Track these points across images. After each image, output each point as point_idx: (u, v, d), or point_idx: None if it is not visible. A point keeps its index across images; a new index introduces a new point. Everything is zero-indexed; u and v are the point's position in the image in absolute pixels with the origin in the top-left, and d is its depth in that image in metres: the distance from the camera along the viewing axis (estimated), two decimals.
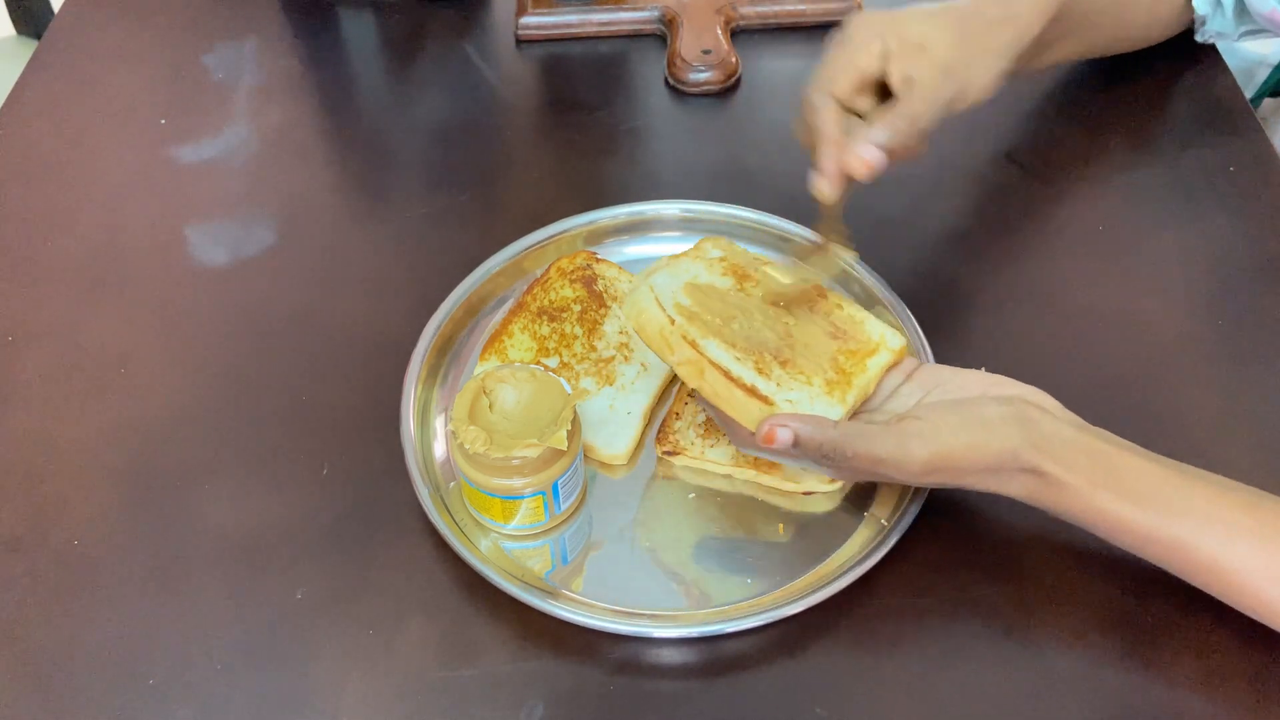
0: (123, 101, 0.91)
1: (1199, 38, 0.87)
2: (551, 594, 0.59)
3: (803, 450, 0.55)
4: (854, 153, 0.62)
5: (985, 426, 0.55)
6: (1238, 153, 0.83)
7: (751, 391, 0.56)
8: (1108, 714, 0.55)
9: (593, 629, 0.57)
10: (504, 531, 0.62)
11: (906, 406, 0.59)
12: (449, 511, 0.62)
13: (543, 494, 0.59)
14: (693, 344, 0.58)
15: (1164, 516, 0.54)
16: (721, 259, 0.64)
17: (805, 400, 0.57)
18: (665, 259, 0.63)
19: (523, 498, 0.59)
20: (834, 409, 0.57)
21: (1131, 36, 0.86)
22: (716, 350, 0.58)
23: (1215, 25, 0.85)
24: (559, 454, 0.59)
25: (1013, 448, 0.54)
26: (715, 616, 0.58)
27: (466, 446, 0.58)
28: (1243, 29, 0.84)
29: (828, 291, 0.64)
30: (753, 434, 0.57)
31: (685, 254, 0.64)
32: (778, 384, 0.57)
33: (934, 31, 0.65)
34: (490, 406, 0.59)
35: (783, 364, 0.58)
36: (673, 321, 0.58)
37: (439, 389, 0.69)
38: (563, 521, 0.62)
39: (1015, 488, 0.55)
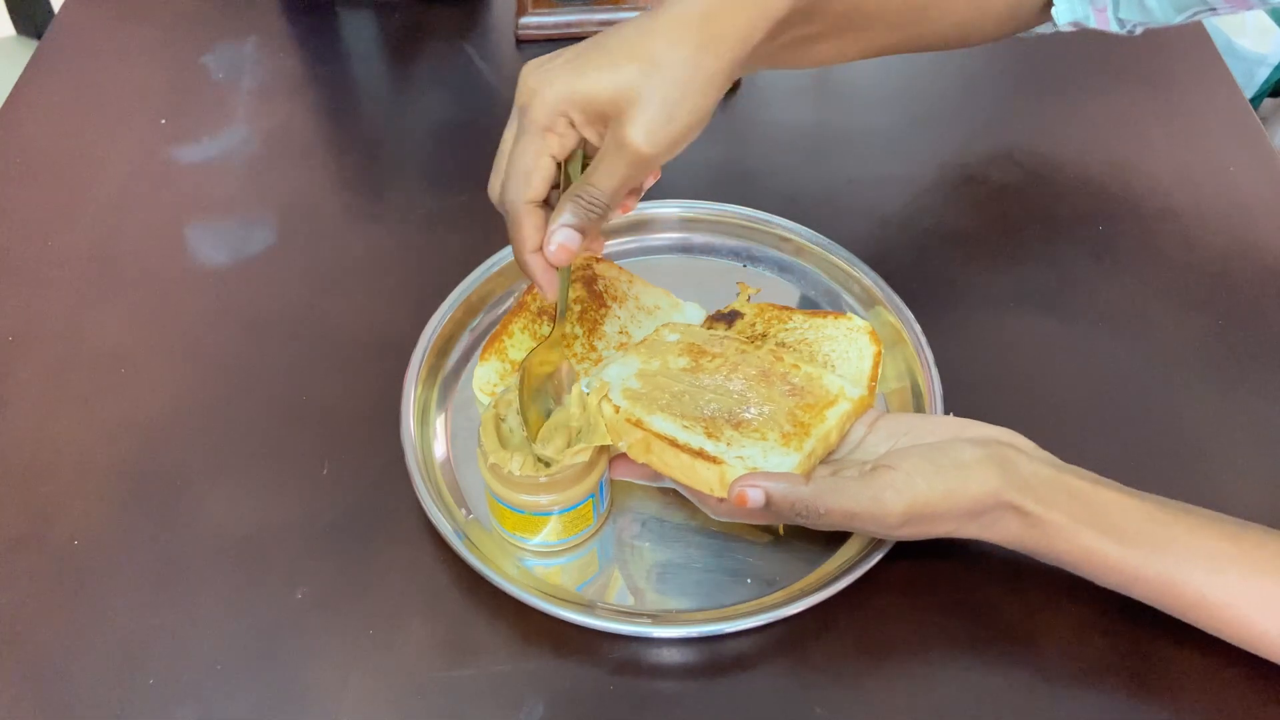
0: (123, 101, 0.91)
1: (1116, 29, 0.73)
2: (551, 594, 0.59)
3: (775, 509, 0.54)
4: (548, 249, 0.58)
5: (961, 470, 0.54)
6: (1238, 153, 0.83)
7: (700, 454, 0.56)
8: (1108, 715, 0.55)
9: (593, 629, 0.57)
10: (555, 548, 0.61)
11: (875, 455, 0.57)
12: (449, 511, 0.62)
13: (592, 496, 0.59)
14: (637, 423, 0.58)
15: (1148, 552, 0.53)
16: (678, 341, 0.64)
17: (758, 454, 0.56)
18: (619, 352, 0.65)
19: (574, 507, 0.59)
20: (788, 459, 0.56)
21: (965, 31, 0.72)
22: (662, 423, 0.58)
23: (1130, 14, 0.72)
24: (601, 451, 0.59)
25: (992, 489, 0.53)
26: (715, 616, 0.58)
27: (515, 474, 0.57)
28: (1183, 15, 0.72)
29: (784, 355, 0.63)
30: (721, 501, 0.56)
31: (640, 343, 0.65)
32: (728, 444, 0.57)
33: (624, 99, 0.56)
34: (511, 430, 0.59)
35: (736, 425, 0.58)
36: (618, 409, 0.59)
37: (439, 389, 0.69)
38: (604, 522, 0.62)
39: (998, 532, 0.55)
